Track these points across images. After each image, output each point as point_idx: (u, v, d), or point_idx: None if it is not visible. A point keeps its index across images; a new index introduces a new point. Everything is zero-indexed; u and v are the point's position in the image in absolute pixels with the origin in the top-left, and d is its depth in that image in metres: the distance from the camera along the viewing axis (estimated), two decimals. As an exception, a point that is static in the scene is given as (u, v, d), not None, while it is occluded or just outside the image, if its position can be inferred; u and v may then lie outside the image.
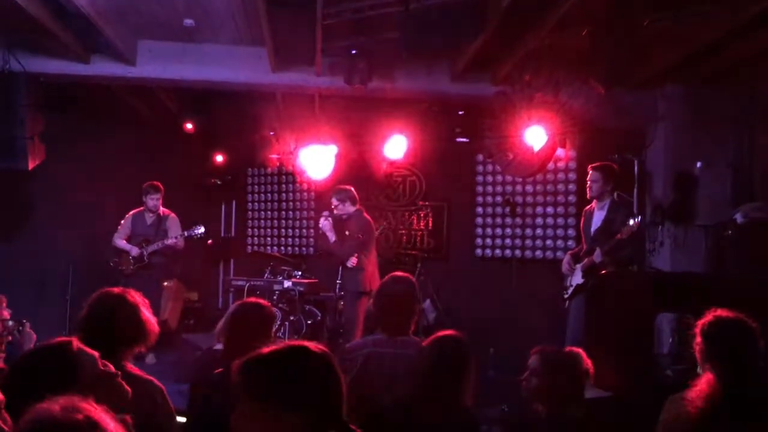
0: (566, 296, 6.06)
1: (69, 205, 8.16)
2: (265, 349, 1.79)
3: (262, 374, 1.74)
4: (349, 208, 6.84)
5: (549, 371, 3.07)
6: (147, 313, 2.79)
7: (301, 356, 1.80)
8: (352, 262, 6.65)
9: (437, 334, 3.04)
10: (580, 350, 3.33)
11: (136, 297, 2.81)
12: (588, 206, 6.19)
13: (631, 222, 5.42)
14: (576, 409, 3.02)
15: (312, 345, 1.86)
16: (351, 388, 3.17)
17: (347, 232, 6.80)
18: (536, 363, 3.13)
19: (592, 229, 5.99)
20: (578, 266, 5.97)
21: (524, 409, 3.18)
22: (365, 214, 6.90)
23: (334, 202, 6.86)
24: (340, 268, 6.84)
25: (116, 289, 2.83)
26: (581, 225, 6.28)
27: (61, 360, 1.97)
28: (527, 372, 3.14)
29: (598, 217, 5.98)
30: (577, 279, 5.94)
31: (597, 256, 5.71)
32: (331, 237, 6.77)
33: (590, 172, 6.03)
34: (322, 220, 6.86)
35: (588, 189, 6.03)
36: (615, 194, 5.99)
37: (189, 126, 8.60)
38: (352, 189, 6.93)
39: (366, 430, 1.85)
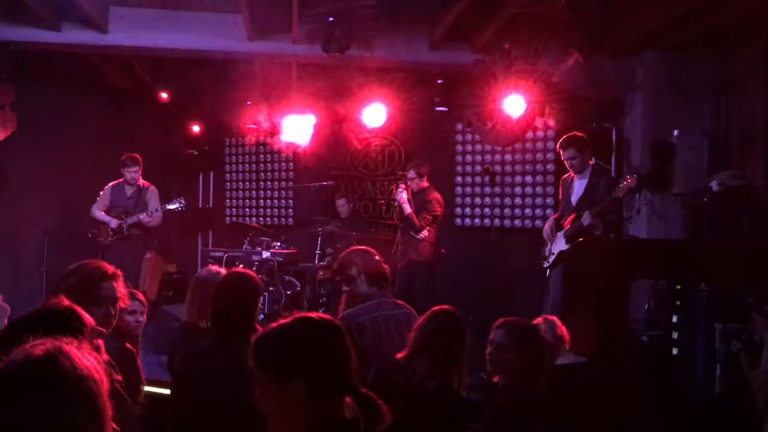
0: (547, 265, 6.02)
1: (42, 176, 8.04)
2: (273, 324, 1.91)
3: (266, 346, 1.88)
4: (424, 183, 7.13)
5: (518, 345, 3.01)
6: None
7: (302, 325, 1.90)
8: (424, 234, 6.96)
9: (433, 308, 3.17)
10: (554, 317, 3.36)
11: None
12: (566, 175, 6.13)
13: (628, 180, 5.34)
14: (541, 381, 3.00)
15: (316, 315, 1.97)
16: (366, 353, 3.25)
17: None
18: (504, 337, 3.05)
19: (574, 198, 5.89)
20: (560, 233, 5.91)
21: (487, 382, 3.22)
22: (435, 191, 7.17)
23: (412, 174, 7.12)
24: (399, 239, 7.13)
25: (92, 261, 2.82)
26: (560, 194, 6.24)
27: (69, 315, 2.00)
28: (493, 345, 3.07)
29: (579, 186, 5.88)
30: (560, 246, 5.86)
31: (586, 218, 5.56)
32: (407, 209, 6.99)
33: (563, 151, 5.83)
34: (400, 191, 7.07)
35: (570, 168, 5.86)
36: (593, 160, 5.92)
37: (164, 95, 8.46)
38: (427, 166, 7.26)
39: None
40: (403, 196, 7.03)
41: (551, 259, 5.99)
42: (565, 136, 5.93)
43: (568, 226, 5.83)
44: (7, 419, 1.25)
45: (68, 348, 1.35)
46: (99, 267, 2.77)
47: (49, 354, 1.32)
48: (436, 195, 7.11)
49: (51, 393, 1.28)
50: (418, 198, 7.09)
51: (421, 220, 6.92)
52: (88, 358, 1.36)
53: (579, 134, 5.92)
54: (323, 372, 1.82)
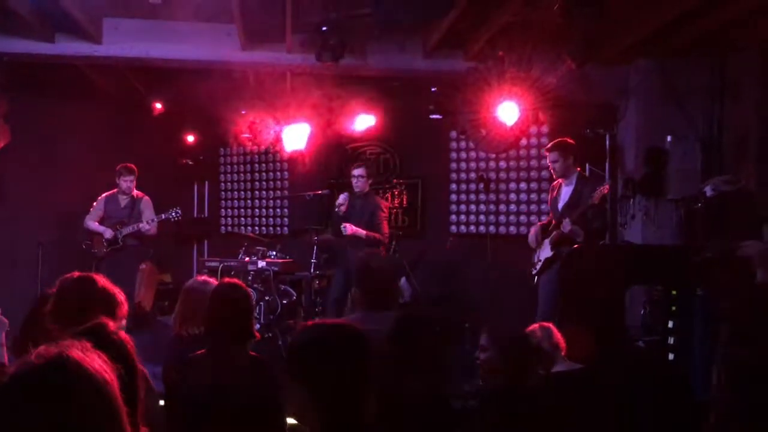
0: (534, 272, 6.03)
1: (37, 187, 8.02)
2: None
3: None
4: (367, 186, 7.05)
5: (498, 346, 3.09)
6: (110, 287, 2.79)
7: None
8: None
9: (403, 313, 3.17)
10: (550, 324, 3.36)
11: (97, 276, 2.82)
12: (555, 181, 6.18)
13: (600, 187, 5.43)
14: (533, 381, 3.03)
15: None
16: None
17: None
18: (485, 339, 3.16)
19: (560, 204, 5.95)
20: (546, 240, 5.93)
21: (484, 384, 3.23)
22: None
23: (362, 172, 6.97)
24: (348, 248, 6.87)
25: (74, 274, 2.82)
26: (549, 200, 6.27)
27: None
28: (479, 349, 3.18)
29: (566, 192, 5.95)
30: (546, 253, 5.90)
31: (565, 225, 5.63)
32: (362, 233, 6.77)
33: (547, 154, 6.01)
34: (347, 226, 6.80)
35: (552, 171, 6.00)
36: (579, 169, 5.98)
37: (158, 105, 8.46)
38: None
39: None
40: (351, 225, 6.80)
41: (538, 266, 5.99)
42: (554, 140, 6.03)
43: (553, 233, 5.87)
44: (22, 424, 1.25)
45: (73, 351, 1.36)
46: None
47: (56, 357, 1.33)
48: (379, 197, 7.20)
49: (63, 395, 1.29)
50: (364, 201, 6.98)
51: (381, 229, 6.82)
52: (95, 360, 1.37)
53: (568, 140, 6.00)
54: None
